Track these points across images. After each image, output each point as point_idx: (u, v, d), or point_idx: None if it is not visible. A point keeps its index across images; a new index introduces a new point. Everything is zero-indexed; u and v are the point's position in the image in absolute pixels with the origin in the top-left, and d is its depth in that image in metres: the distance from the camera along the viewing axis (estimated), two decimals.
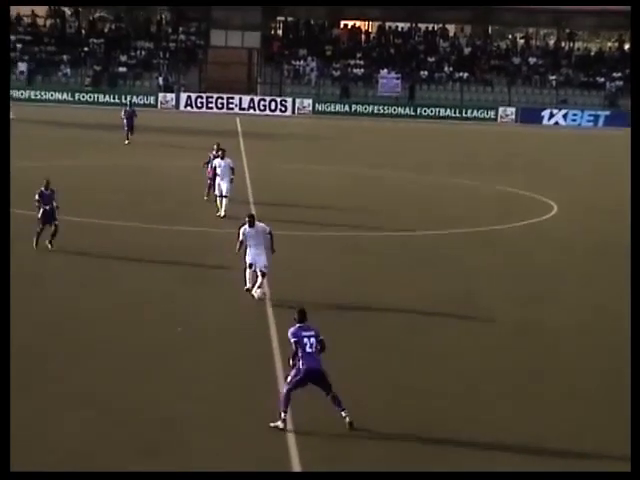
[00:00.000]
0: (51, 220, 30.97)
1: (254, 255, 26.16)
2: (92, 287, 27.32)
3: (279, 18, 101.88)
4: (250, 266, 26.20)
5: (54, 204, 31.03)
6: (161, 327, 23.97)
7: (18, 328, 21.56)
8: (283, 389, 18.00)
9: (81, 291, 26.82)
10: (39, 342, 22.22)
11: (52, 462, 15.96)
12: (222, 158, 38.66)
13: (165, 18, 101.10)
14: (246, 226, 26.48)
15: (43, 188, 31.18)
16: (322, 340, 18.22)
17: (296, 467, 16.32)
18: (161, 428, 17.69)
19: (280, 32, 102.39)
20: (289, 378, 17.96)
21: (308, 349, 17.84)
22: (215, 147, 39.87)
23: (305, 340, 17.92)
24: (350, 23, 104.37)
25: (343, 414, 17.59)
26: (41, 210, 30.86)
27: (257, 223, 26.58)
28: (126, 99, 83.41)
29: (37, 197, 30.98)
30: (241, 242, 26.44)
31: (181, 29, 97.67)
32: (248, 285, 26.17)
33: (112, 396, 19.08)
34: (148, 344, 22.58)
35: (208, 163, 40.02)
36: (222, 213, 37.72)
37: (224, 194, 37.90)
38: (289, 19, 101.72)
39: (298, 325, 18.23)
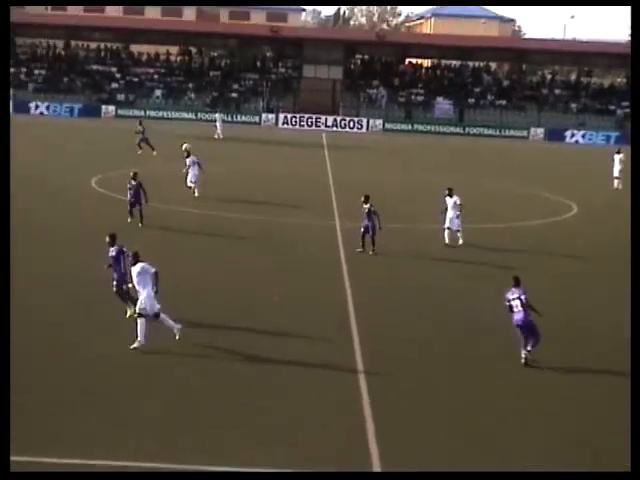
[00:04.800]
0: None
1: None
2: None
3: (357, 56, 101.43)
4: None
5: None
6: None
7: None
8: None
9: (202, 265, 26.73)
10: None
11: None
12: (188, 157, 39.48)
13: (268, 55, 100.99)
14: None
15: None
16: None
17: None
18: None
19: (358, 66, 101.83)
20: None
21: None
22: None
23: None
24: (413, 60, 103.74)
25: None
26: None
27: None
28: (234, 117, 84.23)
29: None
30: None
31: (280, 64, 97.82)
32: None
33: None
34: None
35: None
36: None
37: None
38: (365, 56, 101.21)
39: None
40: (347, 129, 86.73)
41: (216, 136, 68.48)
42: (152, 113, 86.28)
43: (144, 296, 19.05)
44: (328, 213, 37.09)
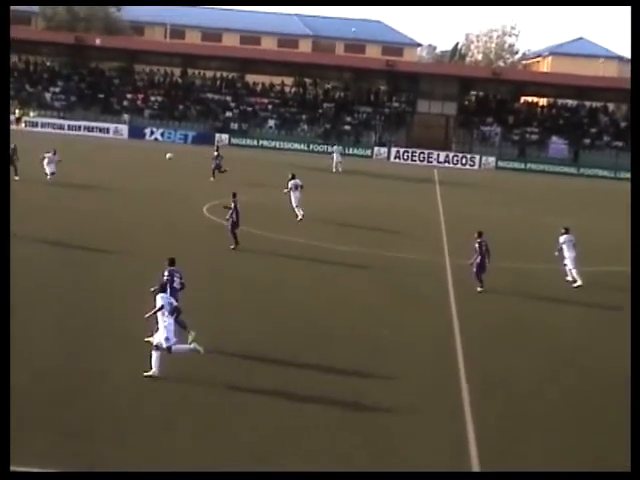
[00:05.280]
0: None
1: None
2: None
3: (472, 92, 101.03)
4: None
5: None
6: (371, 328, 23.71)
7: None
8: None
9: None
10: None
11: None
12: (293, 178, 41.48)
13: (382, 89, 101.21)
14: None
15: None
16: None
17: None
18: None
19: (473, 103, 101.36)
20: None
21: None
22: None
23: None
24: (529, 99, 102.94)
25: None
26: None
27: None
28: (347, 150, 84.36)
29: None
30: None
31: (394, 98, 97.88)
32: None
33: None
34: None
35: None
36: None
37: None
38: (480, 93, 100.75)
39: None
40: (459, 165, 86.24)
41: (334, 169, 68.39)
42: (265, 143, 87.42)
43: (160, 328, 18.48)
44: (438, 249, 36.75)
